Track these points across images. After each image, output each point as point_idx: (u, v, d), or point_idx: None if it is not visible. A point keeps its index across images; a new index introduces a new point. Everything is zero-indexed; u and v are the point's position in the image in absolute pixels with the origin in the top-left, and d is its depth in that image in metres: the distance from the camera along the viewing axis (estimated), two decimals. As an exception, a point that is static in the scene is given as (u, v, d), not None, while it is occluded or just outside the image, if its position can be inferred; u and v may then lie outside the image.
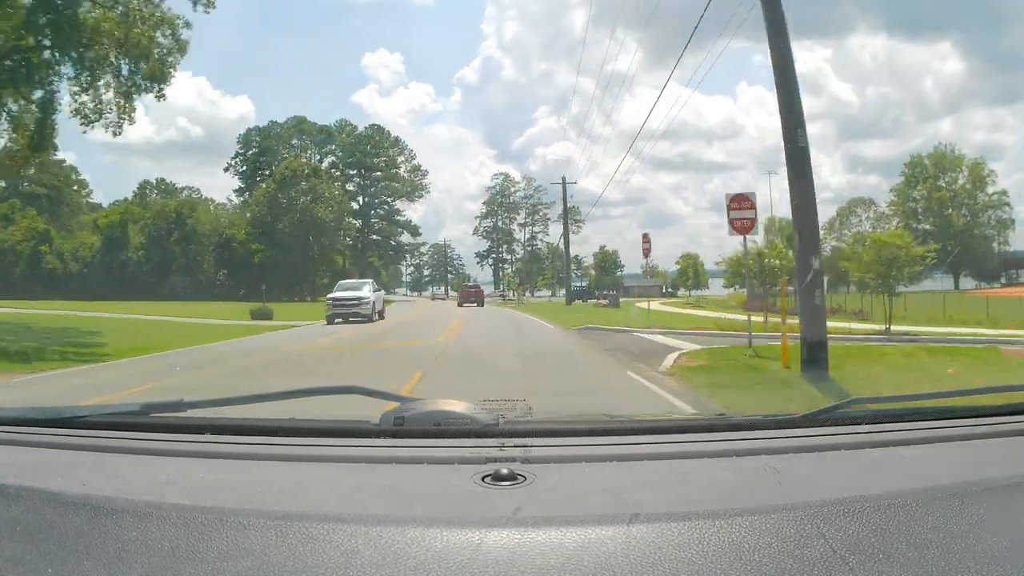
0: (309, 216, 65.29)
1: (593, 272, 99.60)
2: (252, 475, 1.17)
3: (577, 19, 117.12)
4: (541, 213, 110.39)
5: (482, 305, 50.82)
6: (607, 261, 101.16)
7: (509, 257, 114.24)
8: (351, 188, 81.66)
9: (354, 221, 79.98)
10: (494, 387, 8.36)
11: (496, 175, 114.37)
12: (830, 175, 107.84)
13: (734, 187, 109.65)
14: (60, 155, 61.65)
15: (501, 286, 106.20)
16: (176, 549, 0.89)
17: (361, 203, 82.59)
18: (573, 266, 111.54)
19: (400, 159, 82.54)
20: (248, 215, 69.37)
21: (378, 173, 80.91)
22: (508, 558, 0.85)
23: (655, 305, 53.86)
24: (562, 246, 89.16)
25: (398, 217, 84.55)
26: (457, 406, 1.38)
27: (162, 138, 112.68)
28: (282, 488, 1.09)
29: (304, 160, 72.27)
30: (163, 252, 64.69)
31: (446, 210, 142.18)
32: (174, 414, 1.56)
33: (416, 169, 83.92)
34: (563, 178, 60.85)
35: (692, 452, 1.26)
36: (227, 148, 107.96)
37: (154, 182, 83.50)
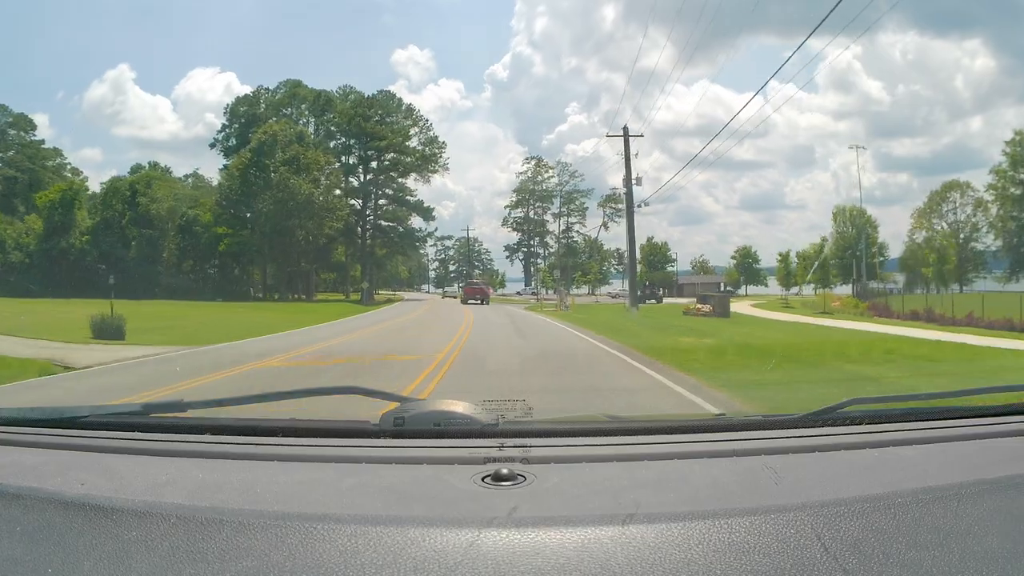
0: (289, 191, 51.80)
1: (638, 267, 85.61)
2: (252, 475, 1.17)
3: (608, 14, 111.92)
4: (578, 202, 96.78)
5: (487, 303, 44.87)
6: (656, 254, 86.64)
7: (542, 251, 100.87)
8: (352, 161, 66.50)
9: (353, 201, 65.35)
10: None
11: (528, 158, 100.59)
12: (860, 173, 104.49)
13: (764, 185, 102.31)
14: (95, 151, 50.32)
15: (533, 282, 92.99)
16: (176, 549, 0.89)
17: (362, 179, 66.70)
18: (613, 261, 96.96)
19: (413, 130, 66.15)
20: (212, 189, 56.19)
21: (383, 142, 63.75)
22: (507, 558, 0.85)
23: (748, 308, 39.92)
24: (606, 237, 75.59)
25: (408, 197, 67.32)
26: (457, 406, 1.38)
27: (190, 134, 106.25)
28: (282, 488, 1.09)
29: (291, 124, 58.56)
30: (113, 239, 51.64)
31: (475, 207, 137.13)
32: (174, 414, 1.55)
33: (432, 141, 67.03)
34: (624, 129, 43.57)
35: (692, 452, 1.26)
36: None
37: (147, 166, 71.23)
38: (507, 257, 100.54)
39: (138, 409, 1.54)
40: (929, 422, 1.44)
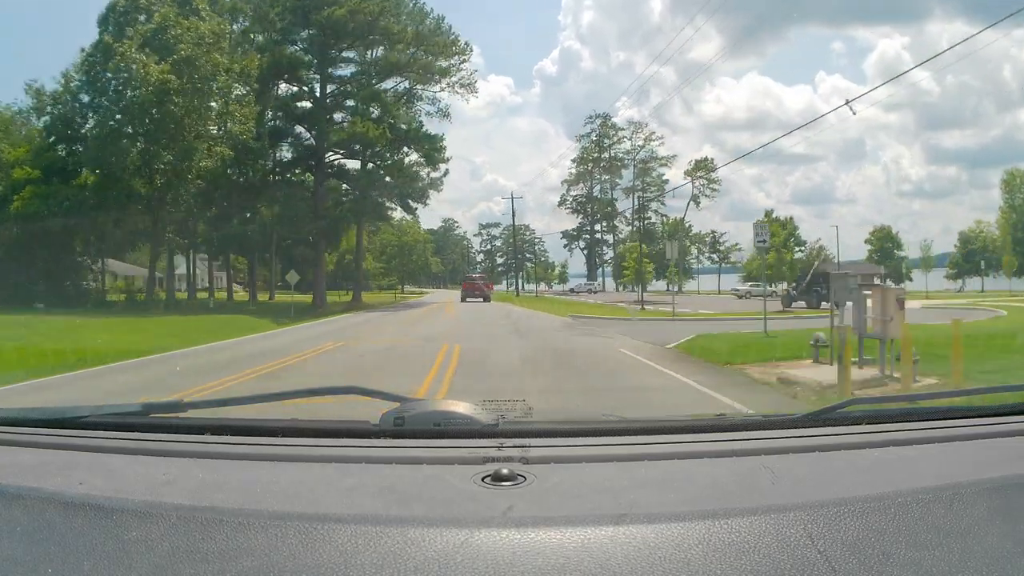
0: (135, 88, 25.73)
1: (740, 251, 60.79)
2: (252, 475, 1.18)
3: (655, 6, 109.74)
4: (655, 174, 71.67)
5: (488, 300, 40.12)
6: (779, 235, 58.86)
7: (608, 238, 75.96)
8: (306, 59, 38.10)
9: (300, 129, 37.89)
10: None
11: (590, 118, 75.27)
12: (909, 166, 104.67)
13: (815, 179, 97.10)
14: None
15: (600, 277, 68.36)
16: (176, 549, 0.90)
17: (317, 96, 38.92)
18: (693, 246, 71.52)
19: (411, 29, 37.05)
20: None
21: (341, 9, 34.73)
22: (506, 558, 0.86)
23: None
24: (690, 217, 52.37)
25: (401, 125, 38.48)
26: (457, 406, 1.40)
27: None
28: (282, 488, 1.10)
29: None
30: None
31: (527, 203, 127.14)
32: (173, 414, 1.57)
33: (449, 44, 38.22)
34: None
35: (691, 452, 1.27)
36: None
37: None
38: (565, 246, 76.98)
39: (138, 409, 1.55)
40: (929, 422, 1.45)
